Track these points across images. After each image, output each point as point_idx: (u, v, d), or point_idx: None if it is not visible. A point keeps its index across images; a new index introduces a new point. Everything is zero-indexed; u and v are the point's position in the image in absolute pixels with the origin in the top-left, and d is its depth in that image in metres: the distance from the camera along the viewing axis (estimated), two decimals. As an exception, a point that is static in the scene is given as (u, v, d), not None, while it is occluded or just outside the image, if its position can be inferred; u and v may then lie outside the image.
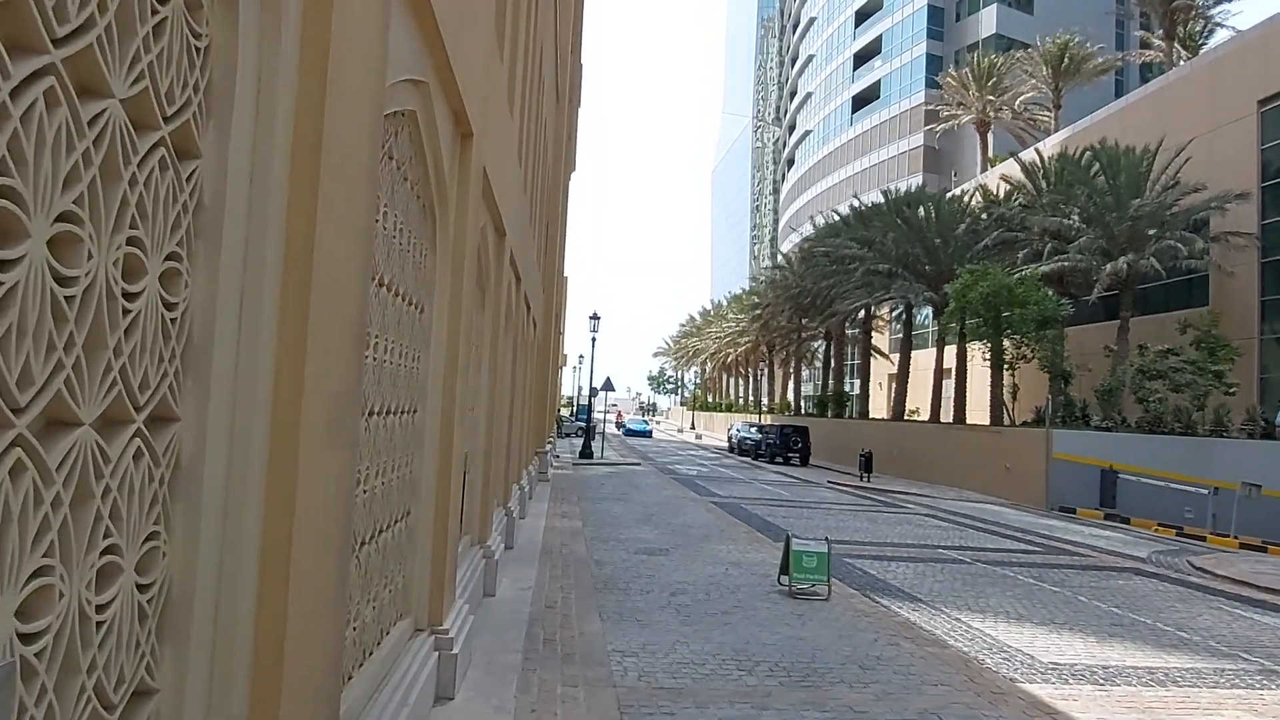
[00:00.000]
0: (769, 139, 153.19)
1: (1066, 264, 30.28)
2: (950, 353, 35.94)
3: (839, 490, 27.19)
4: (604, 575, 10.32)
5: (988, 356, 32.88)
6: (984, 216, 35.27)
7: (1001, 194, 36.73)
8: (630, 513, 17.23)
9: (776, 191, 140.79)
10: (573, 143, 37.82)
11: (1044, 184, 34.85)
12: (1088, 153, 32.38)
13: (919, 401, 42.47)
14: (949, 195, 38.54)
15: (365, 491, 4.00)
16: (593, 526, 14.76)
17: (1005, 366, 30.30)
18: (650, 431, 67.20)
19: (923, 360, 44.15)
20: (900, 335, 46.08)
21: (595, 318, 34.77)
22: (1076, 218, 31.54)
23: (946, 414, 45.18)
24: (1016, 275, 29.67)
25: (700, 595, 9.52)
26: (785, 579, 9.97)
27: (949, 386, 47.68)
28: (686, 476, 28.84)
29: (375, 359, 4.00)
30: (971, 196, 38.12)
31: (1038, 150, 37.18)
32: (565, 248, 39.69)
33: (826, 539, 9.92)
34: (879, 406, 50.34)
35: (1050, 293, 29.00)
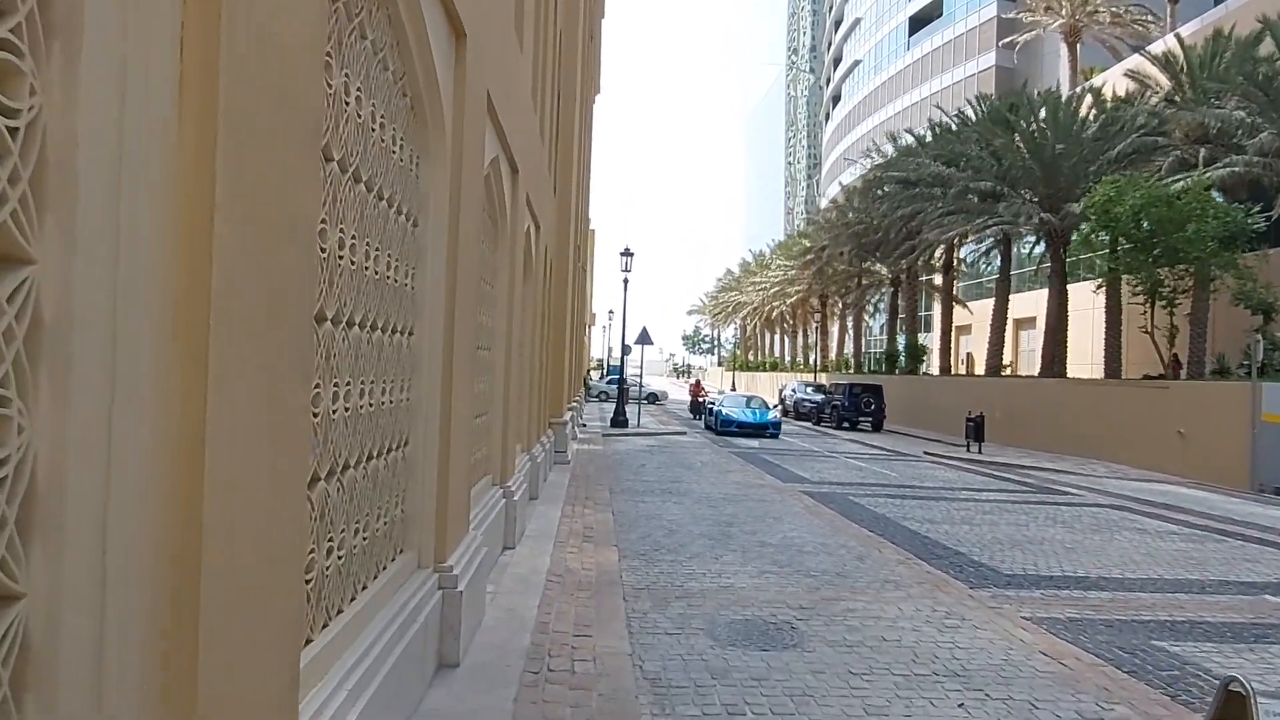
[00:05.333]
0: (802, 89, 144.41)
1: (1239, 169, 23.12)
2: (1084, 290, 28.85)
3: (950, 466, 20.60)
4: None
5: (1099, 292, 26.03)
6: (1114, 119, 27.81)
7: (1118, 95, 29.26)
8: (694, 519, 10.86)
9: (812, 144, 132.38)
10: (595, 45, 31.01)
11: (1185, 79, 27.42)
12: (1258, 26, 24.88)
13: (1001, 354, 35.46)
14: (1065, 97, 30.95)
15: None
16: (635, 558, 8.41)
17: (1162, 303, 23.15)
18: (778, 424, 28.33)
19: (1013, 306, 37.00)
20: (989, 278, 39.09)
21: (628, 254, 28.13)
22: (1241, 112, 24.20)
23: (1028, 367, 38.34)
24: (1176, 184, 22.57)
25: None
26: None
27: (1030, 337, 40.81)
28: (749, 449, 22.40)
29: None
30: (1084, 102, 30.48)
31: (1178, 35, 29.63)
32: (589, 178, 33.11)
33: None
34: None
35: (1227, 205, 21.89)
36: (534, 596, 6.34)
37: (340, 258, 3.25)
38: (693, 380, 41.75)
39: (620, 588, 7.01)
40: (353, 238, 3.41)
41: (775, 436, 27.32)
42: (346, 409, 3.41)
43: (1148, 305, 23.60)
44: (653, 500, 12.40)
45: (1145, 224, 21.61)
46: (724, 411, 28.06)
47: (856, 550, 9.26)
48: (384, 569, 4.12)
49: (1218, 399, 19.48)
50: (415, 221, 4.54)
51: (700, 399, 36.83)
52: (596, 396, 50.36)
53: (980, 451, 23.79)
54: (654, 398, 50.52)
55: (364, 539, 3.73)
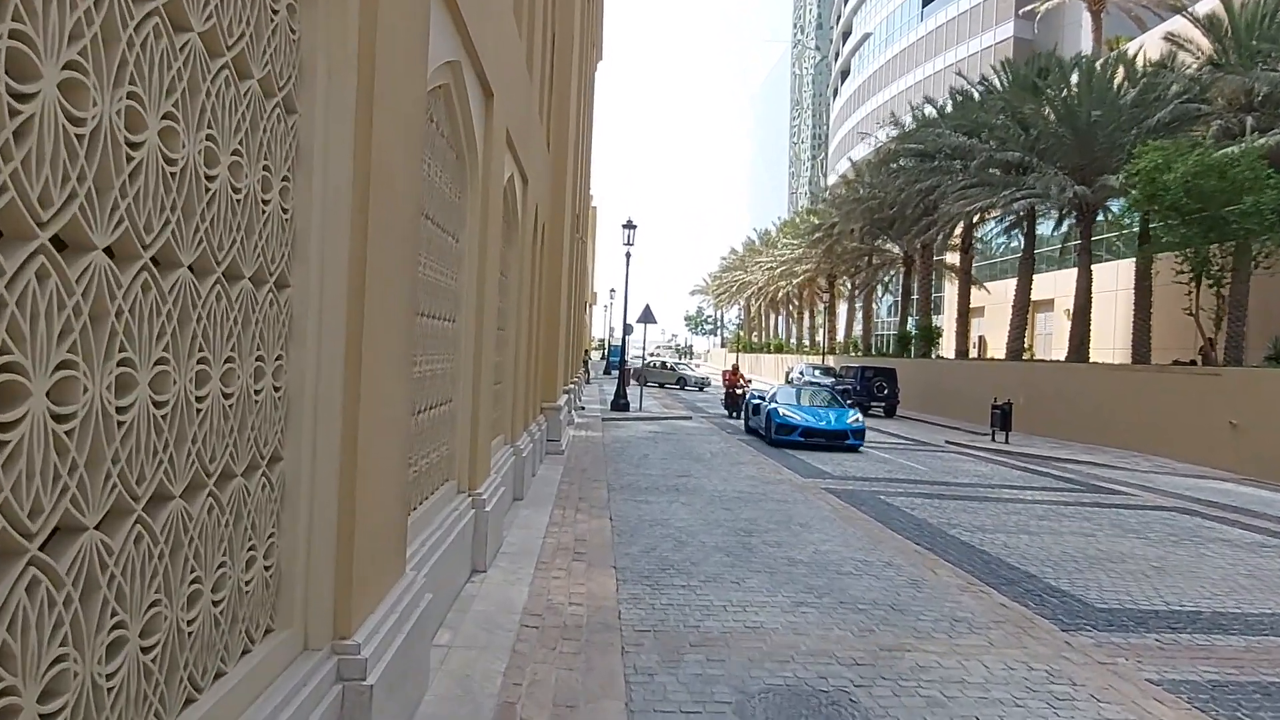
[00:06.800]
0: (808, 66, 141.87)
1: (1293, 137, 21.36)
2: (1106, 271, 27.09)
3: (979, 458, 18.95)
4: None
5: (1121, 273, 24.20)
6: (1153, 84, 25.86)
7: (1152, 60, 27.30)
8: (706, 526, 9.19)
9: (818, 122, 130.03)
10: (597, 7, 29.08)
11: (1230, 41, 25.49)
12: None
13: (1001, 337, 33.76)
14: (1100, 61, 28.96)
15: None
16: (638, 583, 6.75)
17: (1209, 282, 21.40)
18: (862, 430, 18.36)
19: (1017, 287, 35.19)
20: (1003, 258, 37.31)
21: (630, 226, 26.32)
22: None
23: (1045, 351, 36.72)
24: (1225, 152, 20.72)
25: None
26: None
27: (1047, 320, 39.07)
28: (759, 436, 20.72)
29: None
30: (1118, 68, 28.49)
31: (1223, -2, 27.62)
32: (590, 143, 31.28)
33: None
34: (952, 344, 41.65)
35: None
36: (501, 654, 4.67)
37: (82, 123, 1.54)
38: (730, 368, 29.39)
39: (618, 633, 5.35)
40: (93, 85, 1.69)
41: (857, 449, 18.39)
42: (64, 415, 1.71)
43: (1191, 285, 21.85)
44: (657, 500, 10.73)
45: (1194, 194, 19.80)
46: (780, 411, 18.74)
47: (906, 571, 7.60)
48: (227, 671, 2.43)
49: (1278, 387, 17.77)
50: (286, 104, 2.81)
51: (739, 390, 26.97)
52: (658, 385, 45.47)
53: (1007, 441, 22.14)
54: (683, 383, 46.55)
55: (162, 643, 2.03)
